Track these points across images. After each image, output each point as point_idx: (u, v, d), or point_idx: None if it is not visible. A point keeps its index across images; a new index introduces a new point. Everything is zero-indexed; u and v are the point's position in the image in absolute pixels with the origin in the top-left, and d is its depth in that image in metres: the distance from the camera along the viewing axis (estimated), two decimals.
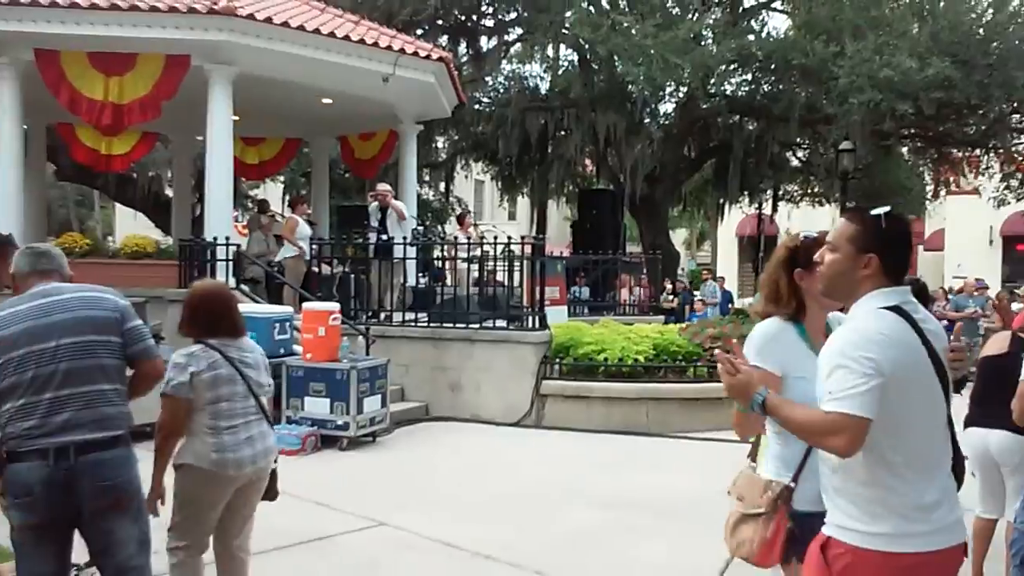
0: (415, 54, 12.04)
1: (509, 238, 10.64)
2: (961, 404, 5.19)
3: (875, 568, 2.22)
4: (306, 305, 8.63)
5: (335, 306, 8.55)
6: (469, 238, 12.00)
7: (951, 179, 21.36)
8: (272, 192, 24.37)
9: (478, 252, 11.07)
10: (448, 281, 11.71)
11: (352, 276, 11.52)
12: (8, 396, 2.89)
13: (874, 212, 2.33)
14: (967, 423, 4.81)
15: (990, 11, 16.31)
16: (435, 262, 13.01)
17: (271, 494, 3.92)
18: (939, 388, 2.29)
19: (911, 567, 2.21)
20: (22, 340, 2.90)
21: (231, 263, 10.25)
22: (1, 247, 3.38)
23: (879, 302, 2.27)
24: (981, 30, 16.11)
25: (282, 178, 22.92)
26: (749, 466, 2.85)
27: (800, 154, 21.41)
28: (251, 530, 3.91)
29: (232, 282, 10.22)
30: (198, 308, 3.68)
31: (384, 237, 11.18)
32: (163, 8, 10.04)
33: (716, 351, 2.63)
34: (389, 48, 11.65)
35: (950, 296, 15.54)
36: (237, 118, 11.29)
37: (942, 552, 2.25)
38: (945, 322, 14.54)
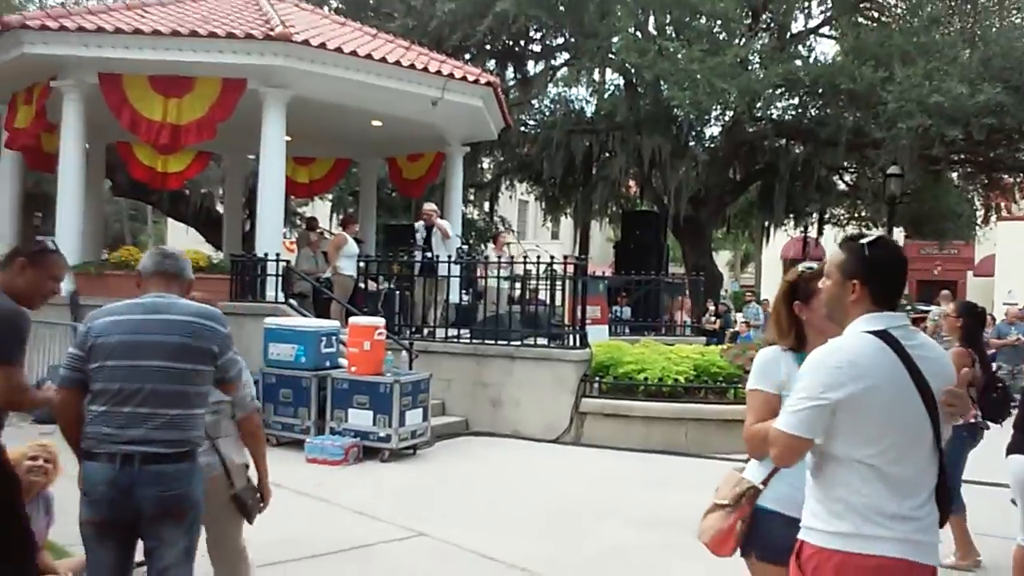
0: (464, 79, 12.28)
1: (552, 258, 10.77)
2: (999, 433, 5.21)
3: (836, 568, 2.26)
4: (352, 320, 8.83)
5: (380, 321, 8.73)
6: (512, 258, 12.12)
7: (1002, 205, 21.01)
8: (320, 209, 24.79)
9: (521, 271, 11.19)
10: (492, 299, 11.83)
11: (397, 293, 11.72)
12: (96, 399, 3.06)
13: (861, 240, 2.43)
14: (1010, 450, 4.78)
15: None
16: (479, 280, 13.16)
17: (246, 514, 3.68)
18: (922, 411, 2.31)
19: (871, 569, 2.24)
20: (117, 352, 3.04)
21: (280, 278, 10.52)
22: (39, 256, 3.35)
23: (864, 326, 2.35)
24: None
25: (330, 196, 23.33)
26: (741, 466, 2.98)
27: (847, 178, 21.23)
28: (229, 541, 3.75)
29: (281, 296, 10.50)
30: None
31: (429, 255, 11.38)
32: (221, 34, 10.39)
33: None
34: (438, 73, 11.89)
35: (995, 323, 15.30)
36: (289, 139, 11.60)
37: (906, 563, 2.26)
38: (992, 350, 14.30)
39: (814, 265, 2.84)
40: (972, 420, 5.54)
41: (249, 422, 3.60)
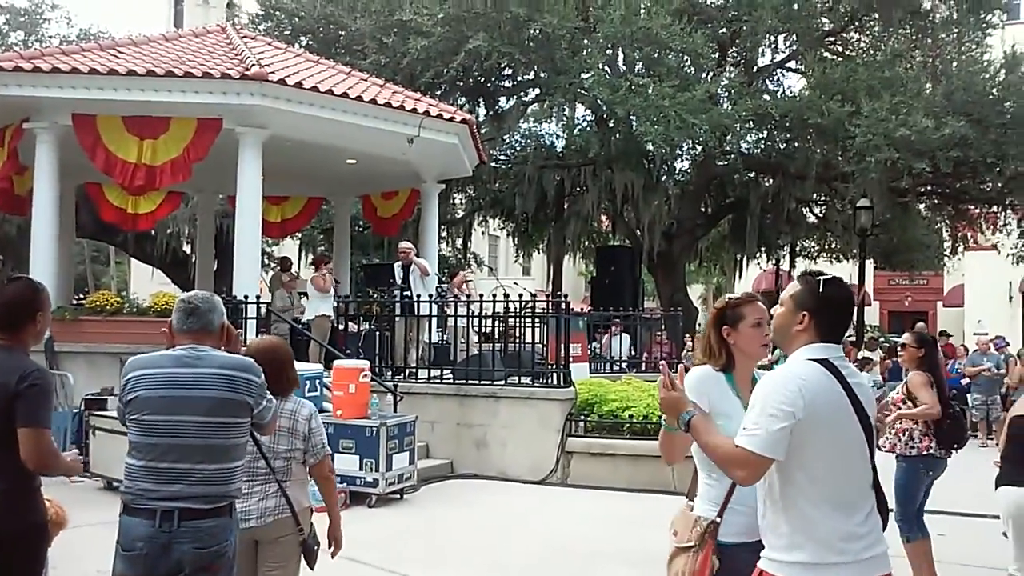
0: (439, 116, 12.27)
1: (533, 295, 10.74)
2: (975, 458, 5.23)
3: None
4: (337, 363, 8.70)
5: (365, 364, 8.61)
6: (482, 296, 12.00)
7: (969, 235, 21.40)
8: (289, 248, 24.61)
9: (502, 309, 11.10)
10: (474, 338, 11.72)
11: (377, 333, 11.59)
12: (132, 452, 3.05)
13: (818, 277, 2.62)
14: (999, 482, 4.81)
15: (1002, 72, 16.53)
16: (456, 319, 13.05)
17: (310, 561, 3.79)
18: (860, 433, 2.51)
19: None
20: (153, 406, 3.03)
21: (259, 320, 10.35)
22: (45, 298, 3.28)
23: (808, 354, 2.54)
24: (995, 90, 16.32)
25: (299, 234, 23.14)
26: (687, 504, 3.03)
27: (817, 210, 21.54)
28: None
29: None
30: None
31: (408, 294, 11.28)
32: (197, 74, 10.30)
33: (661, 363, 2.94)
34: (414, 111, 11.87)
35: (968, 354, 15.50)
36: (262, 177, 11.47)
37: None
38: (967, 380, 14.47)
39: (738, 294, 3.08)
40: (926, 452, 5.63)
41: (322, 467, 3.78)
